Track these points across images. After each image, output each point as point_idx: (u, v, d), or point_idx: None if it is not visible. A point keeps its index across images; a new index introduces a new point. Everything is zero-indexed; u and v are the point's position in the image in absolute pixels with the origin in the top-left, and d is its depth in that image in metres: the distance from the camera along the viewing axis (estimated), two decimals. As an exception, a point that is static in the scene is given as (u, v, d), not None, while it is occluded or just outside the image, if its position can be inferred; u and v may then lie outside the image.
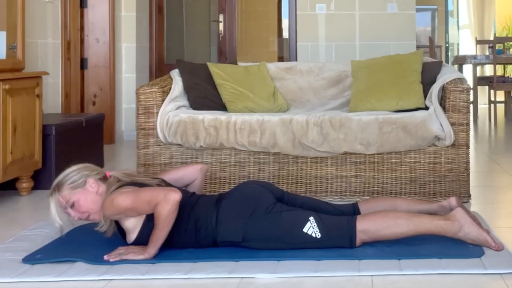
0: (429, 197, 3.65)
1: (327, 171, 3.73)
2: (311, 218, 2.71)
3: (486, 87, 8.95)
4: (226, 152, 3.79)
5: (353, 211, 2.95)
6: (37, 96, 4.13)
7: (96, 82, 6.30)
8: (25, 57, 4.23)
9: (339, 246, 2.69)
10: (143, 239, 2.67)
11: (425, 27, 11.20)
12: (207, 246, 2.75)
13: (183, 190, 2.94)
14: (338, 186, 3.72)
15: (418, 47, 7.98)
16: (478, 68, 10.05)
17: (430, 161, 3.68)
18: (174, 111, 3.82)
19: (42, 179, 4.12)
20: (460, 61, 8.25)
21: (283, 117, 3.73)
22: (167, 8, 7.30)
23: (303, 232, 2.69)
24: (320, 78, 4.38)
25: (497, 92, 8.05)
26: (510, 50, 8.79)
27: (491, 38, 10.33)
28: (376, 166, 3.71)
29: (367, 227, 2.69)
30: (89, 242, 2.84)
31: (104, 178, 2.81)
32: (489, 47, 8.77)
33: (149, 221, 2.66)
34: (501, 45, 8.52)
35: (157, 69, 7.09)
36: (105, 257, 2.61)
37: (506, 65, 10.32)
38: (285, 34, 9.45)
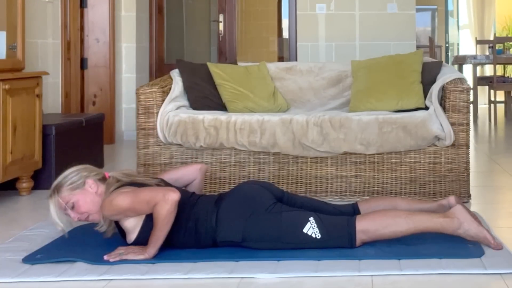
0: (429, 197, 3.65)
1: (327, 171, 3.73)
2: (311, 218, 2.71)
3: (486, 87, 8.95)
4: (226, 152, 3.79)
5: (353, 211, 2.95)
6: (37, 96, 4.13)
7: (96, 82, 6.30)
8: (25, 57, 4.23)
9: (339, 246, 2.69)
10: (143, 239, 2.67)
11: (425, 27, 11.20)
12: (207, 246, 2.75)
13: (183, 190, 2.95)
14: (338, 186, 3.72)
15: (418, 47, 7.98)
16: (478, 68, 10.06)
17: (430, 161, 3.68)
18: (174, 111, 3.82)
19: (42, 179, 4.12)
20: (460, 61, 8.25)
21: (283, 117, 3.73)
22: (167, 8, 7.30)
23: (303, 232, 2.69)
24: (320, 78, 4.38)
25: (497, 92, 8.05)
26: (510, 50, 8.79)
27: (491, 38, 10.33)
28: (376, 166, 3.71)
29: (367, 227, 2.69)
30: (89, 242, 2.84)
31: (103, 179, 2.81)
32: (489, 47, 8.77)
33: (149, 221, 2.66)
34: (501, 45, 8.52)
35: (157, 69, 7.09)
36: (105, 257, 2.61)
37: (506, 65, 10.32)
38: (285, 34, 9.45)
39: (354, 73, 4.20)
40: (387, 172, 3.70)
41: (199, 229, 2.73)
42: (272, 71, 4.39)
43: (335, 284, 2.39)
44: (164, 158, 3.80)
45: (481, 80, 8.44)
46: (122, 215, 2.66)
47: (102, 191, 2.76)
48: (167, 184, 2.89)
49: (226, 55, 7.24)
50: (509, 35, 10.92)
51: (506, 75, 10.00)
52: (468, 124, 3.68)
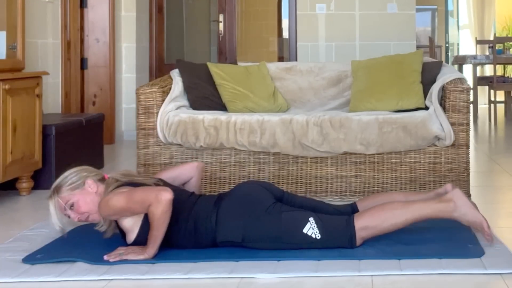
0: (429, 197, 3.65)
1: (327, 171, 3.73)
2: (311, 218, 2.71)
3: (486, 87, 8.95)
4: (226, 152, 3.79)
5: (352, 211, 2.95)
6: (37, 96, 4.13)
7: (96, 82, 6.30)
8: (25, 57, 4.23)
9: (339, 246, 2.69)
10: (142, 239, 2.67)
11: (425, 27, 11.21)
12: (207, 246, 2.75)
13: (182, 190, 2.95)
14: (338, 186, 3.72)
15: (418, 47, 7.98)
16: (478, 68, 10.05)
17: (430, 161, 3.68)
18: (174, 111, 3.82)
19: (42, 179, 4.12)
20: (460, 61, 8.25)
21: (283, 117, 3.73)
22: (167, 8, 7.30)
23: (303, 233, 2.69)
24: (320, 78, 4.38)
25: (497, 92, 8.05)
26: (510, 50, 8.79)
27: (491, 38, 10.32)
28: (376, 166, 3.71)
29: (366, 224, 2.70)
30: (89, 242, 2.84)
31: (102, 179, 2.83)
32: (489, 47, 8.77)
33: (148, 221, 2.66)
34: (501, 45, 8.52)
35: (157, 69, 7.09)
36: (105, 257, 2.61)
37: (506, 65, 10.32)
38: (285, 34, 9.45)
39: (354, 73, 4.20)
40: (387, 172, 3.70)
41: (199, 229, 2.73)
42: (272, 71, 4.39)
43: (335, 284, 2.39)
44: (164, 158, 3.80)
45: (481, 80, 8.44)
46: (118, 215, 2.67)
47: (101, 191, 2.76)
48: (165, 183, 2.89)
49: (226, 55, 7.24)
50: (509, 35, 10.92)
51: (506, 75, 9.99)
52: (468, 124, 3.68)
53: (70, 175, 2.78)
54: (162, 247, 2.68)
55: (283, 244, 2.69)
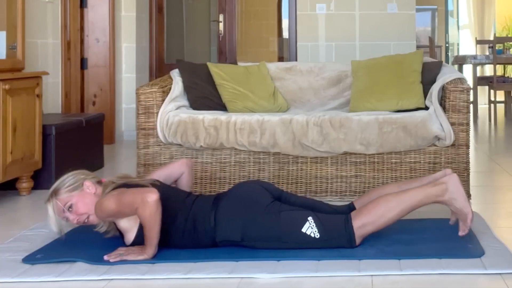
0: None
1: (327, 171, 3.73)
2: (310, 218, 2.71)
3: (486, 87, 8.95)
4: (226, 152, 3.79)
5: (349, 210, 2.94)
6: (37, 96, 4.13)
7: (96, 82, 6.30)
8: (25, 57, 4.23)
9: (338, 245, 2.69)
10: (141, 240, 2.67)
11: (425, 27, 11.21)
12: (207, 246, 2.75)
13: (179, 190, 2.97)
14: (338, 186, 3.72)
15: (418, 47, 7.98)
16: (478, 68, 10.05)
17: (430, 161, 3.68)
18: (174, 111, 3.82)
19: (42, 179, 4.12)
20: (460, 61, 8.25)
21: (283, 117, 3.73)
22: (167, 8, 7.30)
23: (302, 232, 2.69)
24: (320, 78, 4.38)
25: (497, 92, 8.05)
26: (510, 50, 8.79)
27: (491, 38, 10.32)
28: (376, 166, 3.71)
29: (363, 221, 2.70)
30: (89, 242, 2.84)
31: (99, 182, 2.85)
32: (489, 47, 8.77)
33: (145, 222, 2.67)
34: (501, 45, 8.52)
35: (157, 69, 7.08)
36: (105, 257, 2.61)
37: (506, 65, 10.31)
38: (285, 34, 9.45)
39: (354, 73, 4.20)
40: (387, 172, 3.70)
41: (197, 229, 2.73)
42: (272, 71, 4.39)
43: (335, 284, 2.39)
44: (164, 158, 3.80)
45: (481, 80, 8.44)
46: (113, 217, 2.69)
47: (99, 192, 2.78)
48: (162, 184, 2.90)
49: (226, 55, 7.23)
50: (509, 35, 10.92)
51: (506, 75, 9.99)
52: (468, 124, 3.68)
53: (68, 178, 2.80)
54: (162, 247, 2.68)
55: (282, 243, 2.70)
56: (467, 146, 3.68)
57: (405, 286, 2.37)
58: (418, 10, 8.32)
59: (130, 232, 2.71)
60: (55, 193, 2.75)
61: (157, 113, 3.80)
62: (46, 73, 4.36)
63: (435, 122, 3.62)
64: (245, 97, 4.07)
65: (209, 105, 4.05)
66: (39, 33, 5.10)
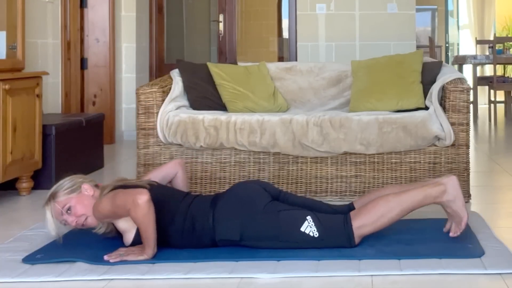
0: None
1: (327, 171, 3.73)
2: (309, 217, 2.72)
3: (486, 87, 8.95)
4: (226, 152, 3.79)
5: (349, 210, 2.94)
6: (37, 96, 4.13)
7: (96, 82, 6.30)
8: (25, 57, 4.23)
9: (338, 245, 2.69)
10: (141, 239, 2.67)
11: (425, 27, 11.21)
12: (206, 246, 2.75)
13: (177, 190, 2.97)
14: (338, 186, 3.72)
15: (418, 47, 7.98)
16: (478, 68, 10.05)
17: (430, 161, 3.68)
18: (174, 111, 3.82)
19: (42, 179, 4.12)
20: (460, 61, 8.25)
21: (283, 117, 3.73)
22: (167, 8, 7.30)
23: (301, 231, 2.69)
24: (320, 78, 4.38)
25: (497, 92, 8.05)
26: (510, 50, 8.79)
27: (491, 38, 10.32)
28: (376, 166, 3.71)
29: (363, 221, 2.70)
30: (89, 242, 2.84)
31: (97, 186, 2.87)
32: (489, 47, 8.77)
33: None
34: (501, 45, 8.52)
35: (157, 69, 7.08)
36: (106, 257, 2.61)
37: (506, 65, 10.31)
38: (285, 34, 9.45)
39: (354, 73, 4.20)
40: (387, 172, 3.70)
41: (196, 228, 2.73)
42: (272, 71, 4.39)
43: (335, 284, 2.39)
44: (164, 158, 3.80)
45: (481, 80, 8.44)
46: (110, 218, 2.70)
47: (97, 195, 2.79)
48: (159, 185, 2.91)
49: (226, 55, 7.23)
50: (509, 35, 10.92)
51: (506, 75, 9.99)
52: (468, 124, 3.68)
53: (65, 182, 2.82)
54: (162, 247, 2.68)
55: (281, 242, 2.70)
56: (467, 146, 3.68)
57: (405, 286, 2.37)
58: (418, 10, 8.32)
59: (129, 232, 2.71)
60: (53, 196, 2.76)
61: (157, 113, 3.80)
62: (46, 73, 4.36)
63: (435, 122, 3.62)
64: (245, 97, 4.07)
65: (209, 105, 4.05)
66: (39, 33, 5.10)
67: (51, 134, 4.18)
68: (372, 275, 2.45)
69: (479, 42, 9.63)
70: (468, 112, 3.68)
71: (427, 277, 2.43)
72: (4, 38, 4.09)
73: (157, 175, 3.08)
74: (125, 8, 6.62)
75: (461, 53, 11.49)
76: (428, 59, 4.39)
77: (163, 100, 3.85)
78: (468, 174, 3.69)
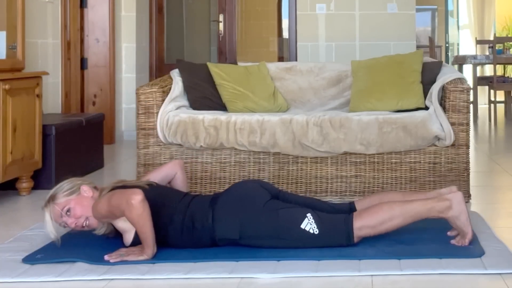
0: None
1: (327, 171, 3.73)
2: (309, 214, 2.72)
3: (486, 87, 8.95)
4: (226, 152, 3.79)
5: (349, 209, 2.94)
6: (37, 96, 4.13)
7: (96, 82, 6.30)
8: (25, 57, 4.23)
9: (337, 243, 2.69)
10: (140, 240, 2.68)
11: (425, 27, 11.21)
12: (206, 245, 2.75)
13: (176, 190, 2.97)
14: (338, 186, 3.72)
15: (418, 47, 7.98)
16: (478, 68, 10.05)
17: (430, 161, 3.68)
18: (174, 111, 3.82)
19: (42, 179, 4.12)
20: (460, 61, 8.25)
21: (283, 117, 3.73)
22: (167, 8, 7.30)
23: (301, 228, 2.69)
24: (320, 78, 4.38)
25: (497, 92, 8.05)
26: (510, 50, 8.79)
27: (491, 38, 10.32)
28: (376, 166, 3.71)
29: (364, 223, 2.70)
30: (89, 242, 2.84)
31: (95, 188, 2.87)
32: (489, 47, 8.77)
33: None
34: (501, 45, 8.52)
35: (157, 69, 7.09)
36: (106, 258, 2.61)
37: (506, 65, 10.31)
38: (285, 34, 9.45)
39: (354, 73, 4.20)
40: (387, 172, 3.70)
41: (196, 227, 2.73)
42: (272, 71, 4.39)
43: (335, 284, 2.39)
44: (164, 158, 3.80)
45: (481, 80, 8.44)
46: (109, 218, 2.70)
47: (96, 196, 2.80)
48: (158, 185, 2.92)
49: (226, 55, 7.23)
50: (509, 35, 10.91)
51: (506, 75, 9.99)
52: (468, 124, 3.68)
53: (64, 184, 2.83)
54: (162, 247, 2.68)
55: (280, 240, 2.69)
56: (467, 146, 3.68)
57: (405, 286, 2.37)
58: (418, 10, 8.32)
59: (129, 232, 2.71)
60: (52, 198, 2.77)
61: (157, 113, 3.80)
62: (46, 73, 4.36)
63: (435, 122, 3.62)
64: (245, 97, 4.07)
65: (209, 105, 4.05)
66: (39, 33, 5.10)
67: (51, 134, 4.18)
68: (372, 275, 2.45)
69: (479, 42, 9.63)
70: (468, 112, 3.68)
71: (427, 277, 2.43)
72: (4, 38, 4.09)
73: (156, 176, 3.08)
74: (125, 8, 6.62)
75: (461, 53, 11.49)
76: (428, 59, 4.39)
77: (163, 100, 3.85)
78: (468, 174, 3.69)
